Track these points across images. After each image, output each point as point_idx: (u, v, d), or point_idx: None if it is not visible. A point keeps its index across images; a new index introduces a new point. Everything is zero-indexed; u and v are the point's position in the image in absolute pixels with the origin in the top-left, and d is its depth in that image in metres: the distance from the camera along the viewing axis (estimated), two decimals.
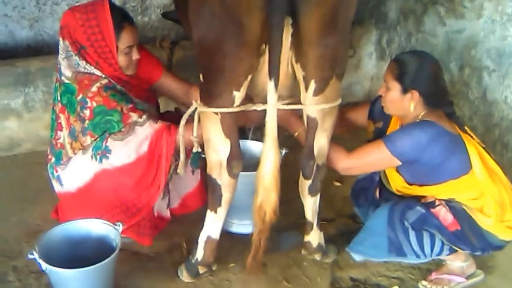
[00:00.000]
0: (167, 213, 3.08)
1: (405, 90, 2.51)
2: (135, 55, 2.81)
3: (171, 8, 4.22)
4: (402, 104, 2.54)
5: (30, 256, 2.40)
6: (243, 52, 2.20)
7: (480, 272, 2.75)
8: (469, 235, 2.54)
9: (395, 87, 2.53)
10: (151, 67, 2.99)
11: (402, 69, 2.51)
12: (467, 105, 3.65)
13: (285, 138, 2.73)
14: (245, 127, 3.10)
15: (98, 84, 2.71)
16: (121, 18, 2.74)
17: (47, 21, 4.19)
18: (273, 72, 2.18)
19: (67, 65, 2.75)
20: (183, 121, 2.62)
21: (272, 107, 2.22)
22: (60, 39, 2.78)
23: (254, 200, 2.32)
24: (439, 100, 2.57)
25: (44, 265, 2.37)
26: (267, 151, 2.25)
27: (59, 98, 2.81)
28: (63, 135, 2.85)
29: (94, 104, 2.70)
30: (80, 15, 2.71)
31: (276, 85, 2.19)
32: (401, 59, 2.57)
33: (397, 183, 2.72)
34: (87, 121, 2.73)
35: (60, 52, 2.79)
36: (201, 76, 2.38)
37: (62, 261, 2.42)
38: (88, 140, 2.78)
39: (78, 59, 2.74)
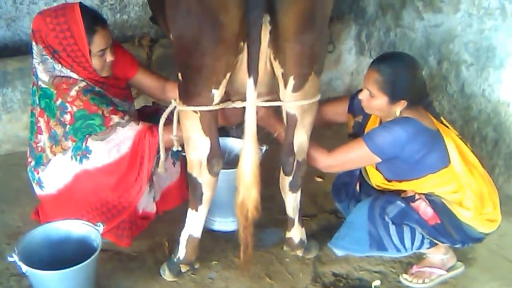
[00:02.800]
0: (153, 208, 3.05)
1: (393, 101, 2.48)
2: (109, 57, 2.77)
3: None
4: (388, 110, 2.52)
5: (10, 259, 2.38)
6: (221, 50, 2.19)
7: (460, 264, 2.78)
8: (449, 229, 2.56)
9: (382, 98, 2.48)
10: (126, 64, 2.96)
11: (389, 81, 2.45)
12: (446, 99, 3.68)
13: (266, 134, 2.73)
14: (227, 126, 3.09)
15: (76, 88, 2.69)
16: (93, 21, 2.69)
17: (25, 21, 4.13)
18: (252, 69, 2.17)
19: (43, 69, 2.72)
20: (162, 120, 2.61)
21: (251, 104, 2.21)
22: (33, 43, 2.74)
23: (235, 197, 2.32)
24: (420, 97, 2.57)
25: (24, 268, 2.36)
26: (247, 148, 2.25)
27: (37, 102, 2.78)
28: (43, 139, 2.82)
29: (75, 108, 2.67)
30: (50, 19, 2.67)
31: (255, 82, 2.18)
32: (384, 69, 2.47)
33: (376, 179, 2.73)
34: (68, 126, 2.71)
35: (35, 56, 2.74)
36: (179, 74, 2.37)
37: (43, 263, 2.41)
38: (69, 144, 2.76)
39: (53, 62, 2.71)
